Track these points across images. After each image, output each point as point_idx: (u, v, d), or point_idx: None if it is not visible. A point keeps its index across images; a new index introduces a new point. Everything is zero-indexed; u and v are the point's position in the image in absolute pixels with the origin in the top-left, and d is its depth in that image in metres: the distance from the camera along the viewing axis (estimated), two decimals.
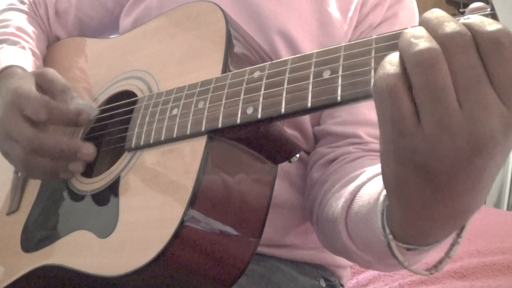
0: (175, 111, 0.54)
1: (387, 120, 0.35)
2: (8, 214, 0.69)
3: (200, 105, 0.52)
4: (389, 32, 0.40)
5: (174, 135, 0.53)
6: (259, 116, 0.47)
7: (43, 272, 0.60)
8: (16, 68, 0.70)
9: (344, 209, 0.58)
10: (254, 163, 0.54)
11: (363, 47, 0.41)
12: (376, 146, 0.69)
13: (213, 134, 0.50)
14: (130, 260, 0.49)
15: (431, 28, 0.34)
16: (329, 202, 0.63)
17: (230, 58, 0.55)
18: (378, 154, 0.39)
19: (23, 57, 0.74)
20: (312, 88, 0.44)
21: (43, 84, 0.63)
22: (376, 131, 0.69)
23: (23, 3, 0.89)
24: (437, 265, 0.45)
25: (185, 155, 0.52)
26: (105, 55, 0.74)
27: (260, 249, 0.69)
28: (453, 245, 0.44)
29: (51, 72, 0.65)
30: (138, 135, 0.57)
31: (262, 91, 0.48)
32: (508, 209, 2.72)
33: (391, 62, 0.35)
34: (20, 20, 0.83)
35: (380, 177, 0.42)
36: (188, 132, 0.52)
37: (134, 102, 0.61)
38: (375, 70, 0.39)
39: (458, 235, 0.44)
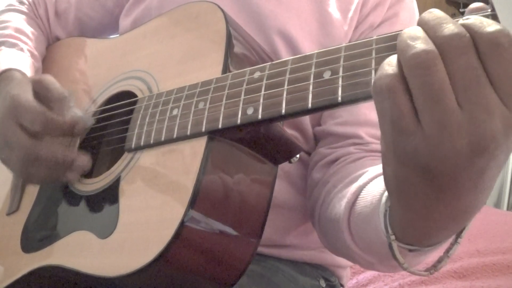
0: (175, 112, 0.54)
1: (387, 120, 0.35)
2: (8, 214, 0.69)
3: (201, 105, 0.52)
4: (390, 33, 0.40)
5: (175, 136, 0.53)
6: (260, 116, 0.47)
7: (43, 273, 0.60)
8: (15, 72, 0.70)
9: (347, 210, 0.57)
10: (254, 163, 0.54)
11: (364, 48, 0.41)
12: (377, 146, 0.69)
13: (214, 134, 0.50)
14: (130, 260, 0.49)
15: (429, 29, 0.34)
16: (332, 203, 0.62)
17: (230, 59, 0.55)
18: (379, 154, 0.39)
19: (21, 60, 0.74)
20: (313, 89, 0.44)
21: (40, 91, 0.63)
22: (377, 132, 0.69)
23: (22, 3, 0.88)
24: (436, 265, 0.45)
25: (185, 156, 0.52)
26: (105, 55, 0.74)
27: (260, 249, 0.69)
28: (452, 244, 0.44)
29: (49, 79, 0.65)
30: (138, 136, 0.57)
31: (263, 92, 0.48)
32: (508, 209, 2.72)
33: (390, 63, 0.35)
34: (18, 21, 0.83)
35: (382, 177, 0.42)
36: (188, 133, 0.52)
37: (134, 103, 0.61)
38: (376, 71, 0.39)
39: (458, 235, 0.44)
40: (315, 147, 0.74)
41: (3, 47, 0.75)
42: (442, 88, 0.32)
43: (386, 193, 0.46)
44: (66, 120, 0.60)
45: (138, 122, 0.58)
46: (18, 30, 0.80)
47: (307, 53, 0.46)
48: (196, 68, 0.57)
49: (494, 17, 0.35)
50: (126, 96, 0.64)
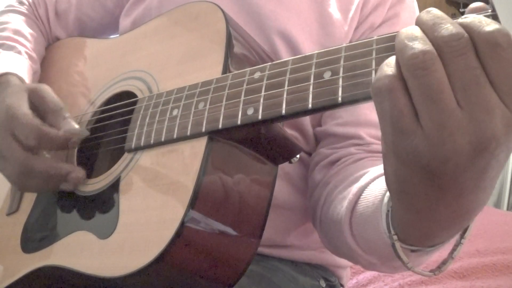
0: (175, 112, 0.54)
1: (387, 120, 0.35)
2: (8, 214, 0.69)
3: (201, 106, 0.52)
4: (390, 33, 0.40)
5: (175, 136, 0.53)
6: (260, 117, 0.47)
7: (43, 273, 0.60)
8: (11, 76, 0.70)
9: (349, 211, 0.57)
10: (255, 164, 0.54)
11: (364, 48, 0.41)
12: (378, 147, 0.69)
13: (214, 135, 0.50)
14: (130, 261, 0.49)
15: (427, 30, 0.34)
16: (333, 203, 0.62)
17: (230, 59, 0.55)
18: (380, 155, 0.39)
19: (18, 63, 0.74)
20: (313, 89, 0.44)
21: (35, 101, 0.63)
22: (377, 132, 0.69)
23: (22, 4, 0.88)
24: (440, 266, 0.45)
25: (185, 156, 0.52)
26: (105, 56, 0.74)
27: (261, 249, 0.69)
28: (456, 246, 0.44)
29: (44, 88, 0.64)
30: (138, 136, 0.57)
31: (263, 92, 0.48)
32: (508, 209, 2.72)
33: (389, 63, 0.35)
34: (17, 22, 0.83)
35: (383, 178, 0.42)
36: (188, 133, 0.52)
37: (134, 103, 0.61)
38: (376, 71, 0.39)
39: (462, 236, 0.43)
40: (316, 148, 0.74)
41: (0, 50, 0.75)
42: (441, 88, 0.32)
43: (387, 194, 0.46)
44: (60, 134, 0.60)
45: (138, 122, 0.58)
46: (16, 32, 0.80)
47: (308, 54, 0.46)
48: (196, 68, 0.57)
49: (494, 17, 0.34)
50: (126, 96, 0.64)
